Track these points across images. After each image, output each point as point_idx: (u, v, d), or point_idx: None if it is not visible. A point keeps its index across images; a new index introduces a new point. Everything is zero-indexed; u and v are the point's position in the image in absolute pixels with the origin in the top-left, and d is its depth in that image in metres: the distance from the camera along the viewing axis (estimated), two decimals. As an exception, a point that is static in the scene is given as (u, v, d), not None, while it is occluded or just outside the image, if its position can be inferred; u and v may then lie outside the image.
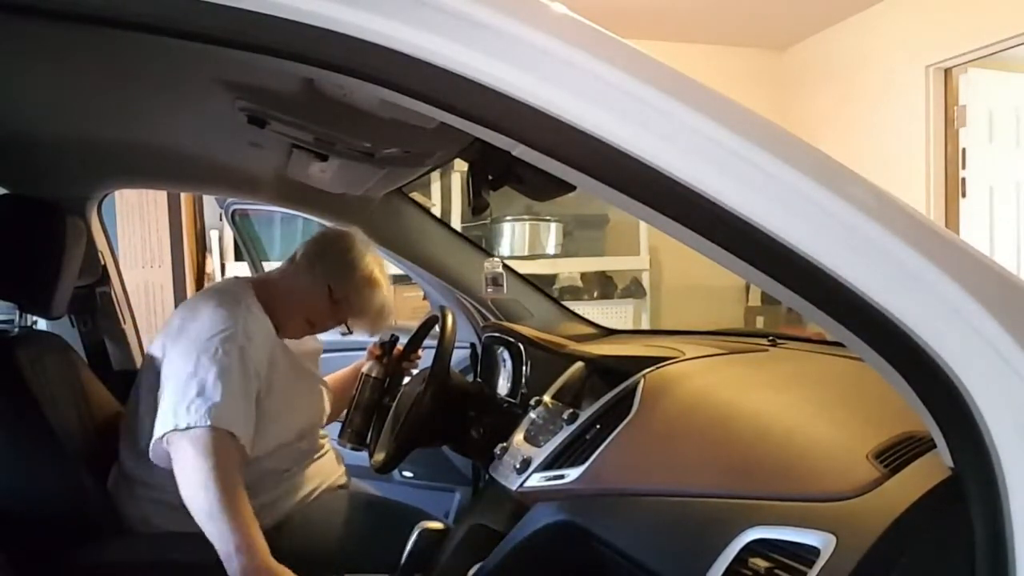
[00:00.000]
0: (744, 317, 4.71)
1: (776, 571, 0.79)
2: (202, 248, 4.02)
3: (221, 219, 3.58)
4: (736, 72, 4.52)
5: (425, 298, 2.58)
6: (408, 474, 2.26)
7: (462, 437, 1.69)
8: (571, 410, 1.36)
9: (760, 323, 4.53)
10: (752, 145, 0.62)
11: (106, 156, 1.73)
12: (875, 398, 0.95)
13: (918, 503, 0.70)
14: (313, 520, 1.56)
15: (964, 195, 3.92)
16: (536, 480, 1.26)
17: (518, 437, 1.42)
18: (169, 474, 1.34)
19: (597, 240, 4.53)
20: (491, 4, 0.60)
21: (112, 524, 1.50)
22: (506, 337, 1.89)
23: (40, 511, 1.43)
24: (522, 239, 4.18)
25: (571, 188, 0.83)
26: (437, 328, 1.71)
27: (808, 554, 0.76)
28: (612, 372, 1.46)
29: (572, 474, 1.19)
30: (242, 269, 3.50)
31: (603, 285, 4.54)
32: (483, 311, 2.11)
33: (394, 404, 1.77)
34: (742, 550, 0.83)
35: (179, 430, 1.33)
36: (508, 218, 4.15)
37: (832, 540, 0.75)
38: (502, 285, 1.91)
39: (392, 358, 1.81)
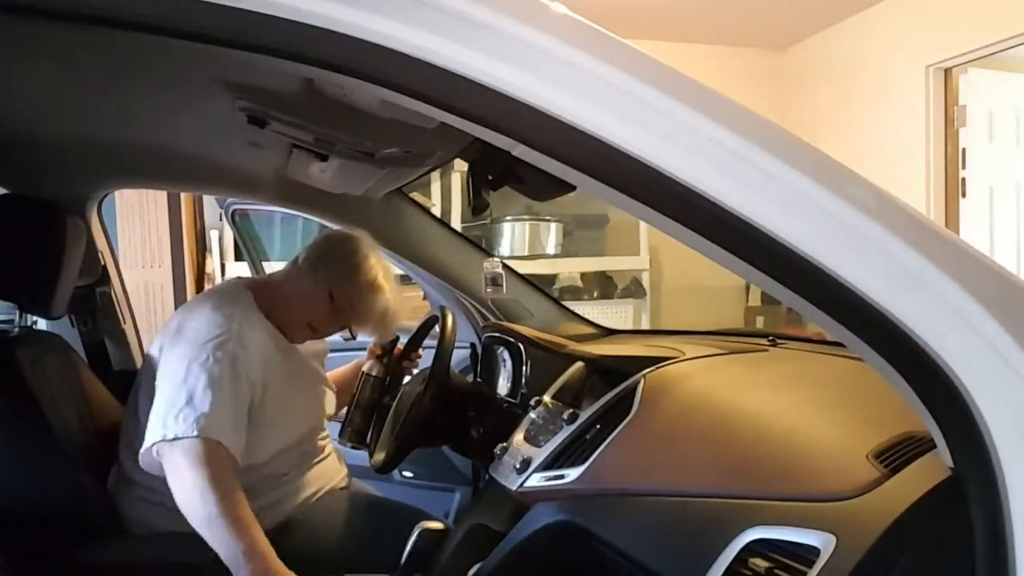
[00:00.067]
0: (744, 317, 4.71)
1: (776, 571, 0.79)
2: (202, 248, 4.02)
3: (221, 219, 3.58)
4: (736, 72, 4.52)
5: (425, 298, 2.57)
6: (408, 474, 2.26)
7: (462, 437, 1.69)
8: (571, 410, 1.36)
9: (760, 323, 4.53)
10: (752, 145, 0.62)
11: (106, 156, 1.73)
12: (875, 398, 0.95)
13: (918, 503, 0.70)
14: (313, 520, 1.56)
15: (964, 195, 3.92)
16: (536, 480, 1.26)
17: (518, 437, 1.42)
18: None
19: (597, 240, 4.53)
20: (491, 4, 0.60)
21: (112, 524, 1.50)
22: (506, 337, 1.89)
23: (40, 511, 1.43)
24: (522, 239, 4.18)
25: (571, 188, 0.83)
26: (437, 328, 1.71)
27: (808, 554, 0.76)
28: (612, 372, 1.46)
29: (572, 474, 1.19)
30: (242, 269, 3.49)
31: (603, 285, 4.54)
32: (483, 311, 2.11)
33: (394, 404, 1.77)
34: (742, 550, 0.83)
35: (167, 440, 1.33)
36: (508, 218, 4.15)
37: (832, 540, 0.75)
38: (501, 285, 1.91)
39: (392, 358, 1.81)
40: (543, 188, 1.04)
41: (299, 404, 1.62)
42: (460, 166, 3.44)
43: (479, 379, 1.99)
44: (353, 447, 1.77)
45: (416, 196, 2.22)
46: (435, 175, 3.83)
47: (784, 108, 4.71)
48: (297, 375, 1.62)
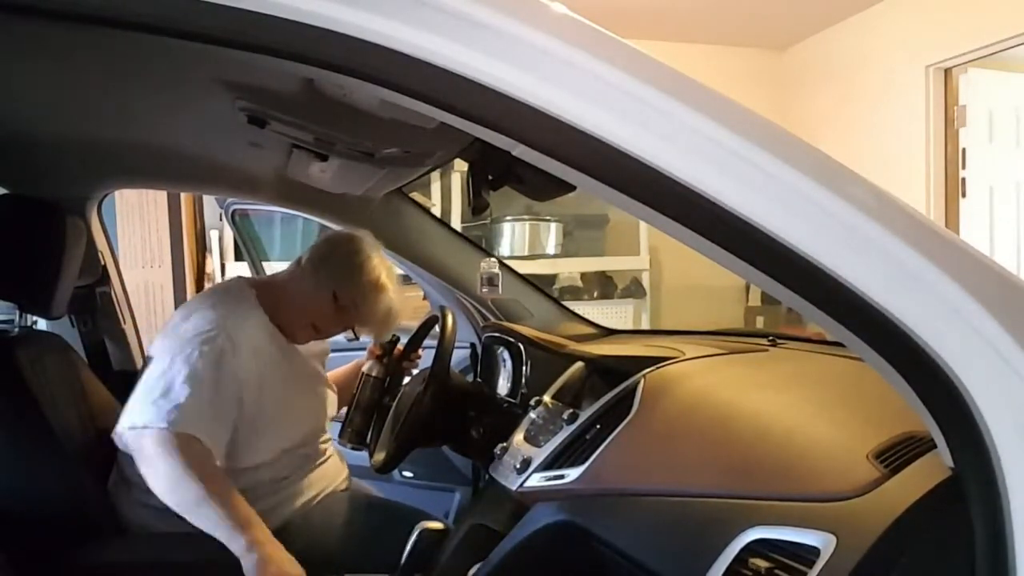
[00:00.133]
0: (744, 317, 4.71)
1: (776, 571, 0.79)
2: (202, 248, 4.02)
3: (221, 219, 3.58)
4: (736, 72, 4.52)
5: (425, 298, 2.57)
6: (408, 474, 2.26)
7: (462, 437, 1.69)
8: (571, 410, 1.36)
9: (760, 323, 4.53)
10: (752, 145, 0.62)
11: (106, 156, 1.73)
12: (875, 398, 0.95)
13: (918, 503, 0.70)
14: (314, 521, 1.56)
15: (964, 195, 3.92)
16: (536, 480, 1.26)
17: (518, 437, 1.42)
18: None
19: (597, 240, 4.53)
20: (491, 4, 0.60)
21: (112, 524, 1.50)
22: (506, 337, 1.89)
23: (40, 511, 1.43)
24: (522, 239, 4.18)
25: (571, 188, 0.83)
26: (437, 328, 1.71)
27: (808, 554, 0.76)
28: (612, 372, 1.46)
29: (572, 474, 1.18)
30: (242, 269, 3.49)
31: (603, 285, 4.54)
32: (483, 311, 2.11)
33: (394, 404, 1.77)
34: (742, 550, 0.83)
35: (137, 428, 1.35)
36: (508, 218, 4.15)
37: (832, 540, 0.75)
38: (497, 285, 1.91)
39: (392, 358, 1.81)
40: (543, 188, 1.04)
41: (300, 405, 1.62)
42: (460, 166, 3.44)
43: (479, 379, 1.99)
44: (353, 447, 1.77)
45: (416, 196, 2.22)
46: (435, 175, 3.83)
47: (784, 108, 4.71)
48: (298, 376, 1.62)
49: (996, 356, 0.62)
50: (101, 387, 1.72)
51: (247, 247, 2.99)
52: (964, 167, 3.91)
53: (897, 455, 0.82)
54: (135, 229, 3.78)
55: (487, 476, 1.50)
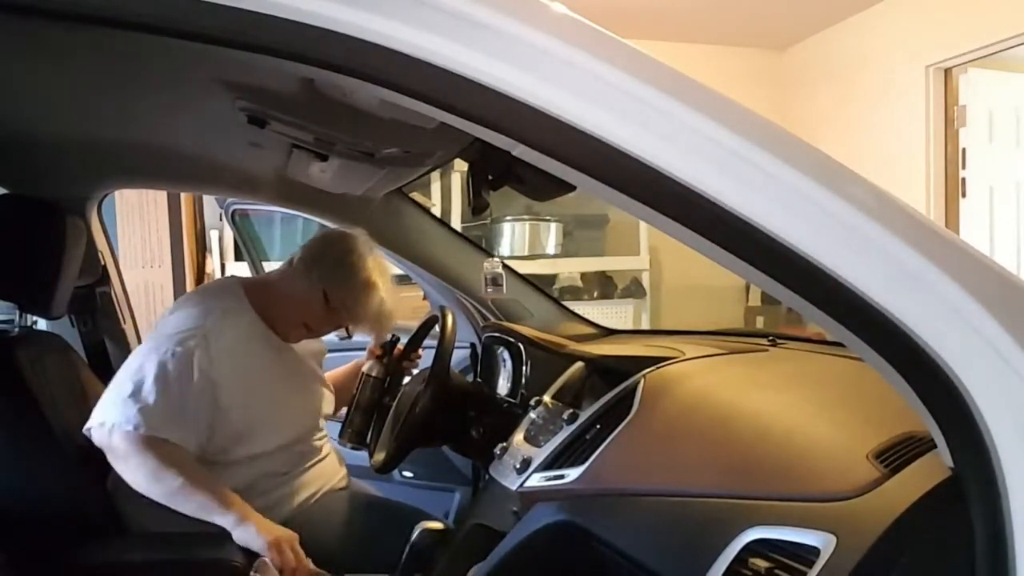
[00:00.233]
0: (744, 317, 4.71)
1: (776, 571, 0.79)
2: (202, 248, 4.02)
3: (221, 219, 3.58)
4: (736, 72, 4.52)
5: (425, 298, 2.57)
6: (408, 474, 2.26)
7: (462, 437, 1.69)
8: (571, 410, 1.36)
9: (760, 323, 4.53)
10: (752, 145, 0.62)
11: (106, 156, 1.73)
12: (875, 398, 0.95)
13: (918, 503, 0.70)
14: (313, 520, 1.56)
15: (964, 195, 3.92)
16: (536, 480, 1.26)
17: (518, 437, 1.42)
18: None
19: (597, 240, 4.53)
20: (491, 4, 0.60)
21: (112, 524, 1.50)
22: (506, 337, 1.89)
23: (40, 511, 1.43)
24: (522, 239, 4.18)
25: (571, 188, 0.83)
26: (437, 328, 1.71)
27: (808, 554, 0.76)
28: (612, 372, 1.46)
29: (572, 474, 1.18)
30: (242, 269, 3.49)
31: (603, 285, 4.54)
32: (483, 311, 2.11)
33: (394, 404, 1.77)
34: (742, 550, 0.83)
35: (104, 427, 1.38)
36: (508, 218, 4.15)
37: (832, 540, 0.75)
38: (502, 285, 1.91)
39: (392, 358, 1.81)
40: (543, 188, 1.04)
41: (294, 403, 1.62)
42: (460, 166, 3.44)
43: (479, 379, 1.99)
44: (353, 447, 1.77)
45: (416, 196, 2.21)
46: (435, 175, 3.83)
47: (784, 108, 4.71)
48: (292, 374, 1.63)
49: (996, 356, 0.61)
50: (101, 387, 1.71)
51: (247, 247, 2.99)
52: (964, 167, 3.91)
53: (897, 455, 0.82)
54: (135, 229, 3.78)
55: (487, 476, 1.50)
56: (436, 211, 3.73)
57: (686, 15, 4.31)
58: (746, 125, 0.64)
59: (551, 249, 4.24)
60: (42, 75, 1.14)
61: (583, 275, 4.49)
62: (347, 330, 1.66)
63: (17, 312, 1.60)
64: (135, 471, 1.38)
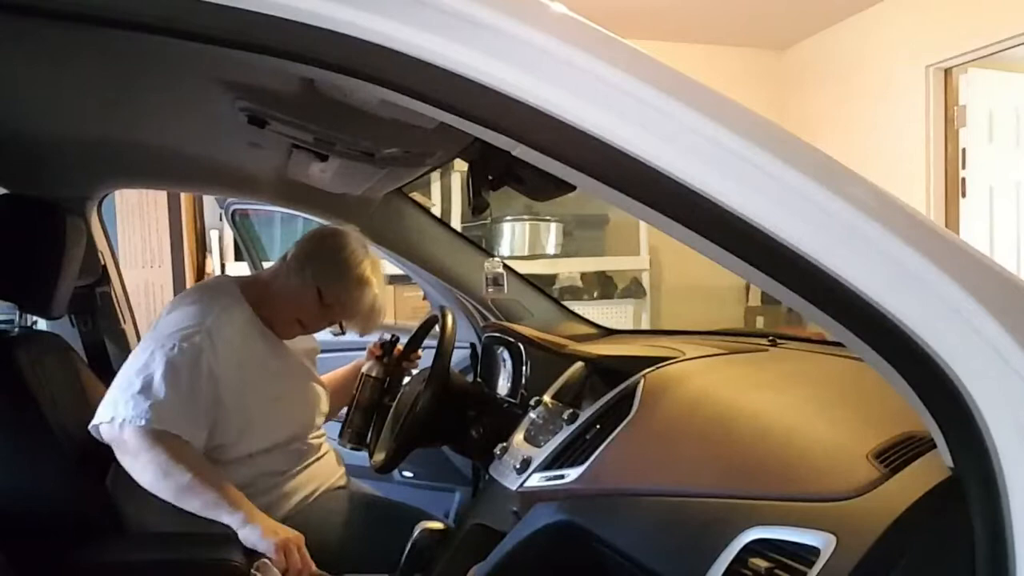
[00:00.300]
0: (744, 317, 4.71)
1: (776, 571, 0.79)
2: (202, 248, 4.02)
3: (221, 219, 3.58)
4: (736, 72, 4.52)
5: (425, 298, 2.57)
6: (408, 474, 2.26)
7: (462, 437, 1.69)
8: (571, 410, 1.36)
9: (760, 323, 4.53)
10: (752, 145, 0.62)
11: (106, 156, 1.73)
12: (875, 398, 0.95)
13: (918, 503, 0.70)
14: (313, 520, 1.56)
15: (964, 195, 3.92)
16: (536, 480, 1.26)
17: (518, 437, 1.42)
18: None
19: (597, 240, 4.53)
20: (491, 4, 0.60)
21: (112, 524, 1.50)
22: (506, 337, 1.89)
23: (40, 511, 1.43)
24: (522, 239, 4.18)
25: (571, 188, 0.83)
26: (437, 328, 1.71)
27: (808, 554, 0.76)
28: (612, 372, 1.46)
29: (572, 474, 1.18)
30: (242, 269, 3.49)
31: (603, 285, 4.54)
32: (483, 311, 2.11)
33: (394, 404, 1.77)
34: (742, 550, 0.83)
35: (115, 422, 1.37)
36: (508, 218, 4.15)
37: (832, 540, 0.74)
38: (503, 285, 1.91)
39: (392, 358, 1.81)
40: (543, 188, 1.04)
41: (290, 400, 1.63)
42: (460, 166, 3.44)
43: (479, 379, 1.99)
44: (353, 448, 1.77)
45: (416, 196, 2.22)
46: (435, 175, 3.83)
47: (784, 108, 4.71)
48: (287, 372, 1.63)
49: (996, 356, 0.61)
50: (101, 387, 1.71)
51: (247, 247, 2.99)
52: (964, 167, 3.91)
53: (897, 455, 0.82)
54: (135, 229, 3.78)
55: (487, 476, 1.50)
56: (436, 211, 3.73)
57: (686, 15, 4.31)
58: (746, 125, 0.64)
59: (551, 249, 4.24)
60: (42, 75, 1.14)
61: (583, 275, 4.49)
62: (340, 326, 1.66)
63: (17, 312, 1.60)
64: (144, 467, 1.37)
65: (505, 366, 1.86)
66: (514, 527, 1.24)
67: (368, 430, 1.77)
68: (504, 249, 4.12)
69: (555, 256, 4.27)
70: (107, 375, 1.89)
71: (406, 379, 1.83)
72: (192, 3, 0.56)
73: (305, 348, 1.74)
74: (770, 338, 1.58)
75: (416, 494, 2.21)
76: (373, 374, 1.77)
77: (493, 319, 2.09)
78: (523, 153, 0.64)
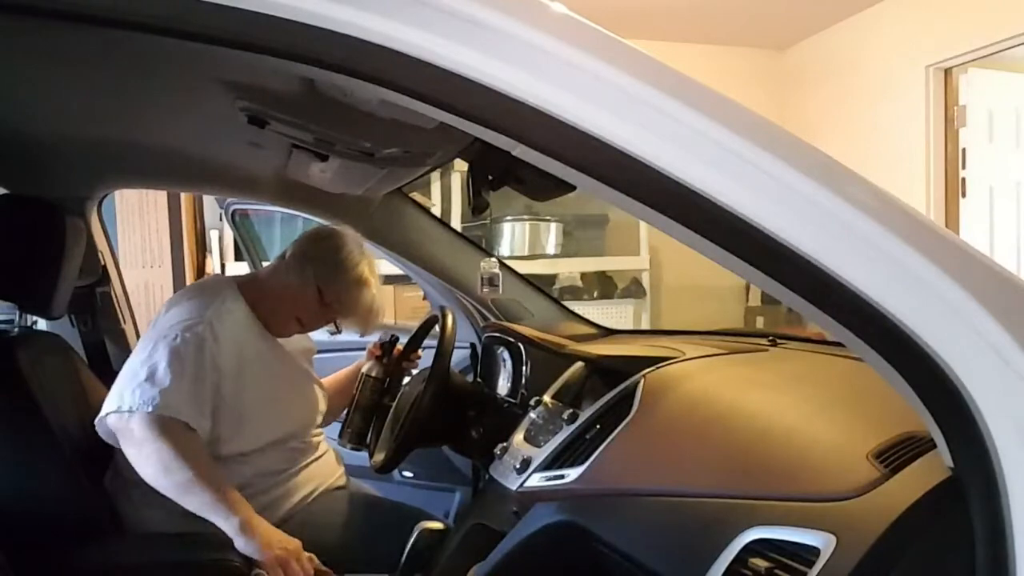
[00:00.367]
0: (744, 317, 4.71)
1: (776, 571, 0.79)
2: (202, 248, 4.02)
3: (221, 219, 3.58)
4: (736, 72, 4.52)
5: (425, 298, 2.57)
6: (408, 474, 2.26)
7: (462, 437, 1.69)
8: (571, 410, 1.36)
9: (760, 323, 4.53)
10: (752, 145, 0.62)
11: (106, 156, 1.73)
12: (875, 398, 0.95)
13: (918, 503, 0.70)
14: (313, 520, 1.57)
15: (964, 195, 3.92)
16: (536, 480, 1.26)
17: (518, 437, 1.42)
18: None
19: (597, 240, 4.53)
20: (492, 4, 0.60)
21: (112, 524, 1.50)
22: (506, 337, 1.89)
23: (40, 511, 1.43)
24: (522, 239, 4.18)
25: (571, 188, 0.83)
26: (437, 328, 1.71)
27: (808, 554, 0.76)
28: (612, 372, 1.46)
29: (572, 474, 1.19)
30: (242, 269, 3.49)
31: (603, 285, 4.54)
32: (483, 311, 2.11)
33: (394, 404, 1.77)
34: (742, 550, 0.83)
35: (122, 411, 1.37)
36: (508, 218, 4.15)
37: (832, 540, 0.75)
38: (498, 285, 1.91)
39: (392, 358, 1.81)
40: (543, 188, 1.03)
41: (286, 399, 1.63)
42: (460, 166, 3.44)
43: (479, 379, 1.99)
44: (353, 448, 1.77)
45: (416, 196, 2.21)
46: (435, 175, 3.83)
47: (784, 108, 4.71)
48: (284, 370, 1.64)
49: (996, 356, 0.61)
50: (101, 387, 1.72)
51: (247, 247, 2.99)
52: (964, 167, 3.91)
53: (897, 455, 0.82)
54: (135, 229, 3.78)
55: (487, 476, 1.50)
56: (436, 211, 3.73)
57: (686, 15, 4.31)
58: (746, 125, 0.64)
59: (551, 249, 4.24)
60: (42, 75, 1.14)
61: (583, 275, 4.49)
62: (336, 324, 1.67)
63: (17, 312, 1.60)
64: (148, 458, 1.37)
65: (505, 366, 1.86)
66: (514, 527, 1.24)
67: (368, 430, 1.77)
68: (504, 249, 4.13)
69: (555, 256, 4.27)
70: (107, 375, 1.89)
71: (406, 379, 1.83)
72: (192, 3, 0.56)
73: (301, 348, 1.74)
74: (770, 338, 1.58)
75: (416, 494, 2.21)
76: (373, 374, 1.77)
77: (493, 319, 2.09)
78: (523, 153, 0.64)
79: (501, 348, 1.89)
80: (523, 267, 3.05)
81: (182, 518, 1.40)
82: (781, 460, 0.95)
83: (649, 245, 4.46)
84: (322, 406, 1.73)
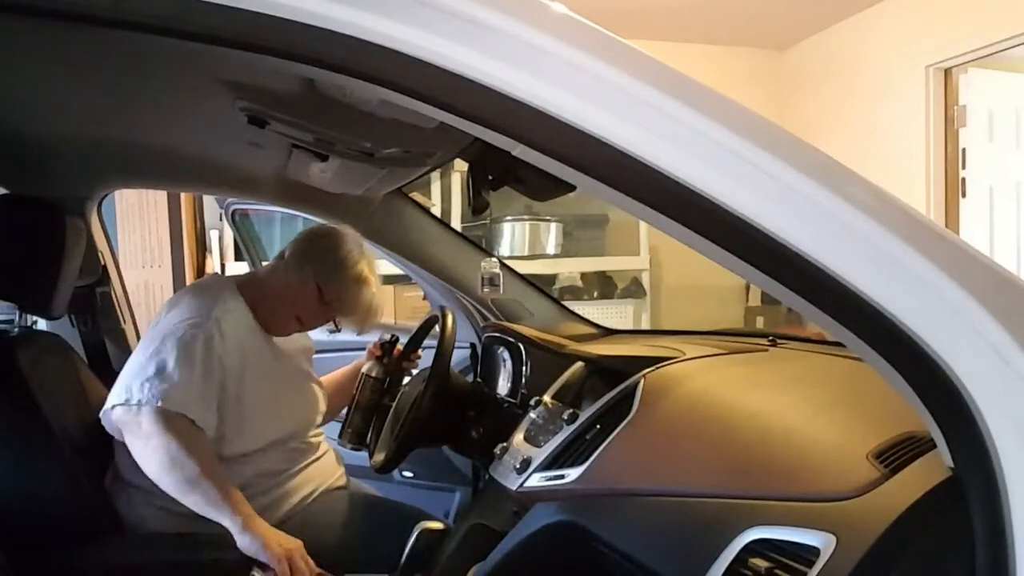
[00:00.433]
0: (744, 317, 4.71)
1: (776, 571, 0.79)
2: (202, 248, 4.02)
3: (221, 219, 3.58)
4: (736, 72, 4.52)
5: (425, 298, 2.57)
6: (408, 474, 2.26)
7: (462, 437, 1.69)
8: (571, 410, 1.36)
9: (760, 323, 4.53)
10: (752, 145, 0.62)
11: (106, 156, 1.73)
12: (875, 398, 0.95)
13: (918, 503, 0.70)
14: (313, 520, 1.57)
15: (964, 195, 3.92)
16: (536, 480, 1.26)
17: (518, 437, 1.42)
18: None
19: (597, 240, 4.53)
20: (492, 4, 0.60)
21: (112, 524, 1.50)
22: (506, 337, 1.89)
23: (40, 511, 1.43)
24: (522, 239, 4.18)
25: (571, 188, 0.83)
26: (437, 328, 1.71)
27: (808, 554, 0.76)
28: (612, 372, 1.46)
29: (572, 474, 1.18)
30: (242, 269, 3.49)
31: (603, 285, 4.54)
32: (483, 311, 2.11)
33: (394, 404, 1.77)
34: (742, 550, 0.83)
35: (130, 404, 1.37)
36: (508, 218, 4.15)
37: (832, 540, 0.75)
38: (498, 285, 1.91)
39: (392, 358, 1.81)
40: (543, 188, 1.03)
41: (286, 398, 1.63)
42: (460, 166, 3.44)
43: (479, 379, 1.99)
44: (353, 448, 1.77)
45: (416, 196, 2.21)
46: (435, 175, 3.83)
47: (784, 108, 4.71)
48: (284, 369, 1.64)
49: (996, 356, 0.61)
50: (101, 387, 1.72)
51: (247, 247, 2.99)
52: (964, 167, 3.91)
53: (897, 455, 0.82)
54: (135, 229, 3.78)
55: (487, 476, 1.50)
56: (436, 211, 3.73)
57: (686, 15, 4.31)
58: (746, 125, 0.64)
59: (551, 249, 4.24)
60: (42, 75, 1.14)
61: (583, 275, 4.49)
62: (335, 323, 1.67)
63: (17, 312, 1.60)
64: (154, 452, 1.36)
65: (505, 366, 1.86)
66: (514, 527, 1.24)
67: (368, 430, 1.77)
68: (504, 249, 4.13)
69: (555, 256, 4.27)
70: (107, 375, 1.89)
71: (406, 379, 1.83)
72: (192, 3, 0.56)
73: (300, 347, 1.74)
74: (770, 338, 1.58)
75: (416, 494, 2.21)
76: (373, 374, 1.77)
77: (493, 319, 2.09)
78: (523, 153, 0.64)
79: (501, 348, 1.89)
80: (523, 267, 3.05)
81: (182, 518, 1.40)
82: (781, 460, 0.95)
83: (649, 245, 4.46)
84: (322, 406, 1.73)
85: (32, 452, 1.46)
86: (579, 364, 1.58)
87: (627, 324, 4.36)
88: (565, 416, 1.34)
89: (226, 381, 1.48)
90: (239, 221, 2.89)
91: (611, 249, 4.56)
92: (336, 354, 2.09)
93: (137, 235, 3.77)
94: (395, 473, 2.02)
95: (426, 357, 1.76)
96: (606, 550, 1.06)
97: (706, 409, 1.17)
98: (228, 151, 1.67)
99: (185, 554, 1.41)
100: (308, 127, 1.27)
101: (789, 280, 0.64)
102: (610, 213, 4.46)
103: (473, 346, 2.10)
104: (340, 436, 1.78)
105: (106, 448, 1.56)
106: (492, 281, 1.91)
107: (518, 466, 1.30)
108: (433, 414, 1.59)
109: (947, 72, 3.93)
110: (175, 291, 3.78)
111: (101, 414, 1.43)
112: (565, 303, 2.26)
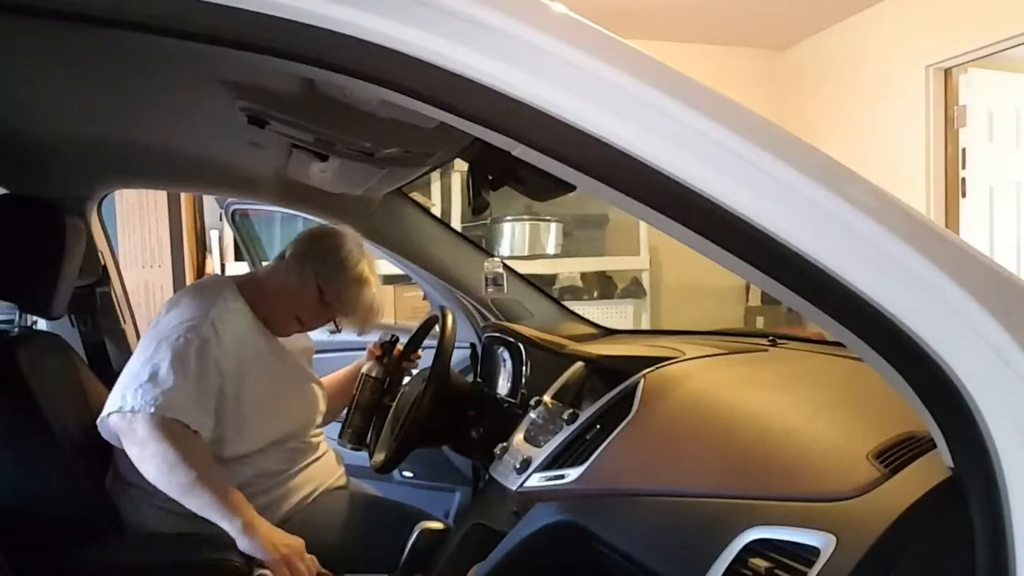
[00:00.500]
0: (744, 317, 4.71)
1: (776, 571, 0.79)
2: (202, 248, 4.02)
3: (221, 219, 3.58)
4: (736, 72, 4.52)
5: (425, 298, 2.57)
6: (408, 474, 2.26)
7: (462, 437, 1.69)
8: (571, 410, 1.36)
9: (760, 323, 4.53)
10: (752, 145, 0.62)
11: (106, 156, 1.73)
12: (875, 398, 0.95)
13: (918, 503, 0.70)
14: (313, 520, 1.57)
15: (964, 195, 3.92)
16: (536, 480, 1.26)
17: (518, 437, 1.42)
18: None
19: (597, 240, 4.53)
20: (492, 4, 0.60)
21: (112, 524, 1.50)
22: (506, 337, 1.89)
23: (40, 511, 1.43)
24: (522, 239, 4.18)
25: (571, 188, 0.83)
26: (437, 328, 1.71)
27: (808, 554, 0.76)
28: (612, 372, 1.46)
29: (572, 474, 1.19)
30: (242, 269, 3.49)
31: (603, 285, 4.54)
32: (483, 311, 2.11)
33: (394, 404, 1.77)
34: (742, 550, 0.83)
35: (125, 412, 1.37)
36: (508, 218, 4.15)
37: (832, 540, 0.75)
38: (502, 285, 1.91)
39: (392, 358, 1.81)
40: (543, 188, 1.03)
41: (286, 398, 1.63)
42: (460, 166, 3.44)
43: (479, 379, 1.99)
44: (353, 448, 1.77)
45: (416, 196, 2.22)
46: (435, 175, 3.83)
47: (784, 108, 4.71)
48: (285, 370, 1.64)
49: (996, 356, 0.62)
50: (101, 387, 1.72)
51: (247, 247, 2.99)
52: (964, 167, 3.91)
53: (897, 455, 0.82)
54: (135, 229, 3.78)
55: (487, 476, 1.50)
56: (436, 211, 3.73)
57: (686, 15, 4.31)
58: (746, 125, 0.64)
59: (551, 249, 4.24)
60: (42, 75, 1.14)
61: (583, 275, 4.49)
62: (336, 323, 1.67)
63: (17, 312, 1.60)
64: (151, 459, 1.37)
65: (505, 366, 1.86)
66: (514, 527, 1.24)
67: (368, 430, 1.77)
68: (504, 249, 4.12)
69: (555, 256, 4.27)
70: (107, 375, 1.90)
71: (406, 379, 1.83)
72: (192, 3, 0.56)
73: (300, 347, 1.74)
74: (770, 338, 1.58)
75: (416, 494, 2.21)
76: (373, 374, 1.77)
77: (493, 319, 2.09)
78: (523, 153, 0.64)
79: (501, 348, 1.89)
80: (523, 267, 3.05)
81: (182, 518, 1.40)
82: (781, 460, 0.95)
83: (649, 245, 4.46)
84: (322, 406, 1.73)
85: (32, 452, 1.46)
86: (579, 364, 1.58)
87: (627, 324, 4.36)
88: (565, 416, 1.35)
89: (224, 384, 1.48)
90: (239, 221, 2.89)
91: (611, 249, 4.56)
92: (336, 354, 2.09)
93: (137, 235, 3.78)
94: (395, 473, 2.02)
95: (426, 357, 1.76)
96: (606, 550, 1.06)
97: (706, 409, 1.17)
98: (228, 151, 1.68)
99: (185, 554, 1.41)
100: (308, 127, 1.27)
101: (789, 280, 0.64)
102: (610, 213, 4.46)
103: (473, 346, 2.10)
104: (340, 436, 1.77)
105: (106, 448, 1.55)
106: (496, 281, 1.91)
107: (518, 466, 1.30)
108: (433, 414, 1.59)
109: (947, 72, 3.93)
110: (175, 291, 3.78)
111: (98, 422, 1.42)
112: (565, 303, 2.26)
